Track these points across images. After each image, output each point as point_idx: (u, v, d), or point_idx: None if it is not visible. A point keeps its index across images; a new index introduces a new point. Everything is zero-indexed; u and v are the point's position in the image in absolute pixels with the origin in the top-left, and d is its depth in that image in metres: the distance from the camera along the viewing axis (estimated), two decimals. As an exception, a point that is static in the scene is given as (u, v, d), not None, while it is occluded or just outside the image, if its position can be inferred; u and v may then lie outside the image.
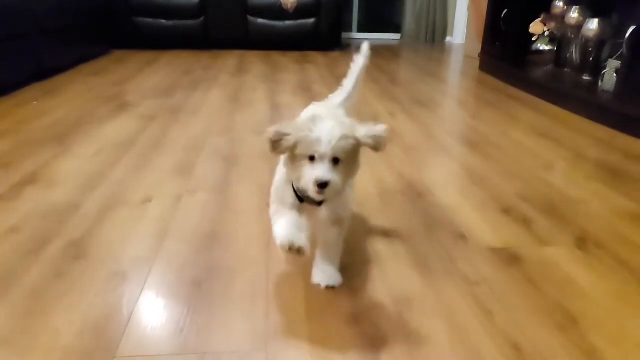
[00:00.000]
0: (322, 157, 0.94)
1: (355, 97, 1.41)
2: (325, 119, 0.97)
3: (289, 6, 4.56)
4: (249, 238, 1.32)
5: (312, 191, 0.96)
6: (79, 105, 2.64)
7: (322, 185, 0.94)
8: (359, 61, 1.40)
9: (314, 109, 1.32)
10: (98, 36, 4.23)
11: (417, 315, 1.03)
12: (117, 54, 4.34)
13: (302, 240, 0.99)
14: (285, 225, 1.02)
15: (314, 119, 0.98)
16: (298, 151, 0.96)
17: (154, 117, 2.45)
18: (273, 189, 1.12)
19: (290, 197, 1.06)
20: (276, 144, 0.96)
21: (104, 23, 4.31)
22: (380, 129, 0.98)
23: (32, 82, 3.06)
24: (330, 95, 1.39)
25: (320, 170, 0.94)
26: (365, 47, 1.41)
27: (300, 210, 1.06)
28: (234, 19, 4.60)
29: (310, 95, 3.00)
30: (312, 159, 0.96)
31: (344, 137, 0.95)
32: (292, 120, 1.22)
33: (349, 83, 1.39)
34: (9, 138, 2.08)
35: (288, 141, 0.96)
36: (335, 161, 0.96)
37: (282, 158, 1.06)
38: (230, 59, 4.25)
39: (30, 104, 2.62)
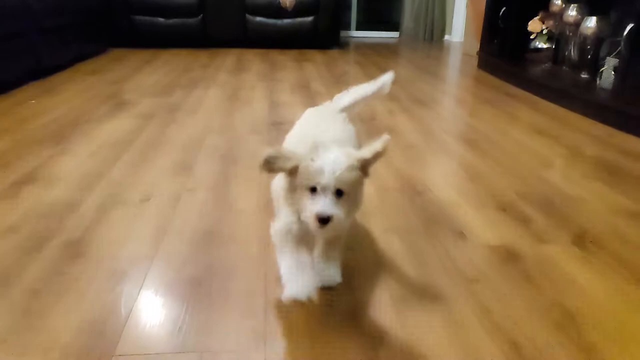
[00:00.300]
0: (324, 189, 0.88)
1: (358, 108, 1.36)
2: (329, 148, 0.91)
3: (287, 4, 4.55)
4: (247, 236, 1.32)
5: (312, 226, 0.89)
6: (78, 103, 2.63)
7: (324, 221, 0.87)
8: (374, 87, 1.31)
9: (312, 113, 1.28)
10: (96, 35, 4.22)
11: (415, 313, 1.03)
12: (116, 52, 4.33)
13: (308, 290, 0.93)
14: (291, 272, 0.95)
15: (316, 147, 0.91)
16: (298, 181, 0.90)
17: (153, 115, 2.45)
18: (274, 230, 1.03)
19: (295, 226, 0.98)
20: (271, 163, 0.90)
21: (103, 21, 4.31)
22: (382, 140, 0.93)
23: (30, 81, 3.05)
24: (336, 96, 1.34)
25: (322, 204, 0.87)
26: (386, 79, 1.31)
27: (305, 238, 1.00)
28: (232, 17, 4.60)
29: (308, 93, 3.00)
30: (313, 190, 0.89)
31: (350, 168, 0.89)
32: (290, 129, 1.20)
33: (357, 93, 1.31)
34: (7, 137, 2.08)
35: (285, 163, 0.89)
36: (339, 193, 0.89)
37: (281, 192, 0.99)
38: (228, 57, 4.25)
39: (29, 103, 2.62)
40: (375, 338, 0.96)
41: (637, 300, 1.10)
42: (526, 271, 1.19)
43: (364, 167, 0.94)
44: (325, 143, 0.94)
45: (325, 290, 1.09)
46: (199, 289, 1.10)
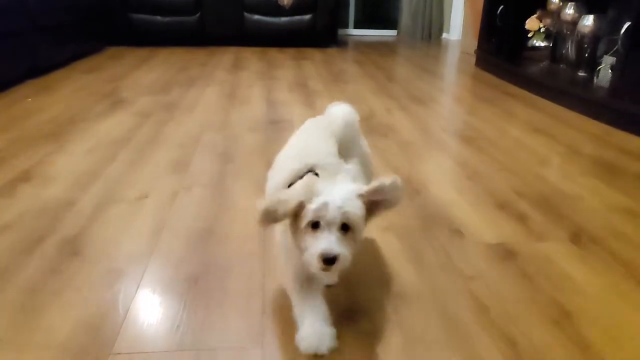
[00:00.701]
0: (329, 224, 0.79)
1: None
2: (332, 177, 0.84)
3: (286, 2, 4.54)
4: (245, 234, 1.32)
5: (315, 268, 0.80)
6: (74, 102, 2.63)
7: (330, 261, 0.78)
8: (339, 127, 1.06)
9: (312, 124, 1.20)
10: (93, 33, 4.20)
11: (413, 311, 1.03)
12: (113, 50, 4.32)
13: (328, 343, 0.88)
14: (309, 325, 0.89)
15: (316, 179, 0.84)
16: (302, 220, 0.81)
17: (150, 114, 2.44)
18: (290, 284, 0.94)
19: (306, 270, 0.88)
20: (271, 213, 0.79)
21: (99, 19, 4.29)
22: (391, 179, 0.83)
23: (26, 79, 3.04)
24: (329, 106, 1.27)
25: (326, 242, 0.78)
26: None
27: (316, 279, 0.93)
28: (230, 15, 4.59)
29: (306, 91, 2.99)
30: (315, 226, 0.80)
31: (356, 201, 0.81)
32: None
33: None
34: (3, 135, 2.07)
35: (286, 207, 0.79)
36: (344, 228, 0.80)
37: (285, 238, 0.90)
38: (226, 55, 4.24)
39: (25, 101, 2.61)
40: (372, 336, 0.96)
41: (634, 297, 1.10)
42: (523, 269, 1.19)
43: (371, 207, 0.85)
44: (327, 167, 0.87)
45: (323, 289, 1.09)
46: (197, 287, 1.10)
